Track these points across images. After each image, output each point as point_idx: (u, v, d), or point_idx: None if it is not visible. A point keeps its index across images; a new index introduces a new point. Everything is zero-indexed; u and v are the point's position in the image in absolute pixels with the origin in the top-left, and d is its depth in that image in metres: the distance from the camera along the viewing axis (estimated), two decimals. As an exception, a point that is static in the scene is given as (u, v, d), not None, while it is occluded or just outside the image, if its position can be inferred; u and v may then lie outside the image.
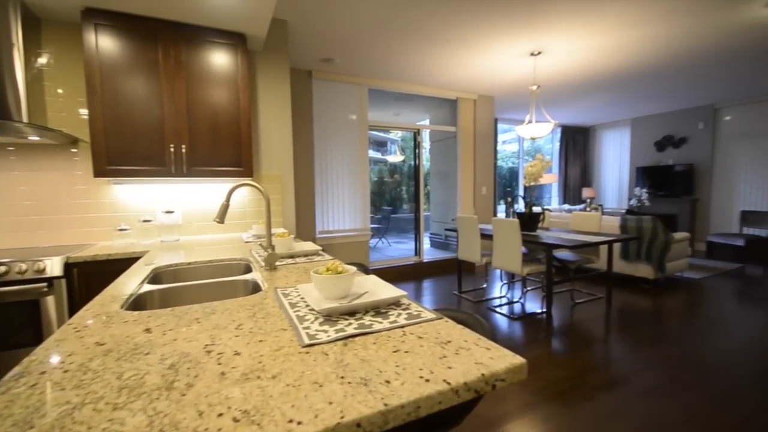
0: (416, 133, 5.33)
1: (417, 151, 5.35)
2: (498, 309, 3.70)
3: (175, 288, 1.33)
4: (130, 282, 1.34)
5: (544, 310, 3.53)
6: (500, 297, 4.12)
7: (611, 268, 3.71)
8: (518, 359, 0.65)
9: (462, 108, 5.35)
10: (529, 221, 3.72)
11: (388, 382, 0.59)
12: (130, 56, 2.22)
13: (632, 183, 7.35)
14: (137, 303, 1.19)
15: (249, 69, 2.80)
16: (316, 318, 0.88)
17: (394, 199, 9.26)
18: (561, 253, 3.98)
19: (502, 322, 3.36)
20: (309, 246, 1.95)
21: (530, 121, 4.00)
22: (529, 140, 4.32)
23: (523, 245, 3.41)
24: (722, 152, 6.18)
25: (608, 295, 3.74)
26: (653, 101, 6.02)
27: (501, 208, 7.56)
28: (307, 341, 0.74)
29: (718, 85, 5.09)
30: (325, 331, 0.79)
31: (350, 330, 0.80)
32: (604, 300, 3.80)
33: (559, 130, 7.81)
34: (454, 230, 4.23)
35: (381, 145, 10.85)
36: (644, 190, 5.63)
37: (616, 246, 4.35)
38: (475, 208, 5.57)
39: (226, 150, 2.49)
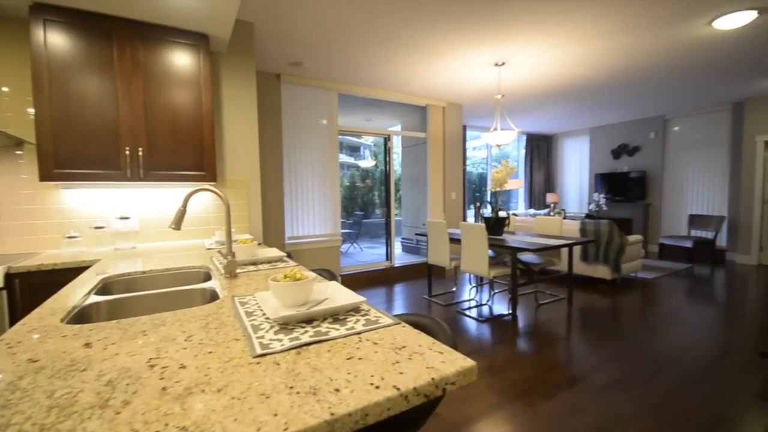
0: (387, 139, 5.37)
1: (387, 156, 5.39)
2: (467, 312, 3.76)
3: (125, 299, 1.26)
4: (75, 293, 1.26)
5: (511, 311, 3.63)
6: (469, 300, 4.20)
7: (572, 270, 3.87)
8: (468, 362, 0.67)
9: (431, 114, 5.45)
10: (495, 225, 3.83)
11: (337, 390, 0.58)
12: (82, 54, 2.11)
13: (591, 189, 7.73)
14: (81, 316, 1.11)
15: (212, 70, 2.73)
16: (272, 327, 0.86)
17: (367, 204, 9.26)
18: (525, 256, 4.12)
19: (470, 324, 3.42)
20: (273, 252, 1.91)
21: (495, 129, 4.13)
22: (496, 147, 4.45)
23: (490, 249, 3.50)
24: (671, 160, 6.63)
25: (569, 295, 3.90)
26: (609, 111, 6.38)
27: (471, 213, 7.72)
28: (259, 351, 0.73)
29: (668, 97, 5.47)
30: (280, 340, 0.78)
31: (305, 338, 0.78)
32: (566, 300, 3.96)
33: (524, 137, 8.11)
34: (425, 235, 4.28)
35: (354, 149, 10.84)
36: (602, 195, 5.94)
37: (577, 248, 4.55)
38: (444, 213, 5.66)
39: (187, 153, 2.41)
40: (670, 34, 3.29)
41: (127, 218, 2.38)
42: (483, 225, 3.39)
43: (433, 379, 0.62)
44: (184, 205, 1.40)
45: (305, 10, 2.77)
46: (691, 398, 2.13)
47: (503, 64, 3.92)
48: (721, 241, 5.96)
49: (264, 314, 0.96)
